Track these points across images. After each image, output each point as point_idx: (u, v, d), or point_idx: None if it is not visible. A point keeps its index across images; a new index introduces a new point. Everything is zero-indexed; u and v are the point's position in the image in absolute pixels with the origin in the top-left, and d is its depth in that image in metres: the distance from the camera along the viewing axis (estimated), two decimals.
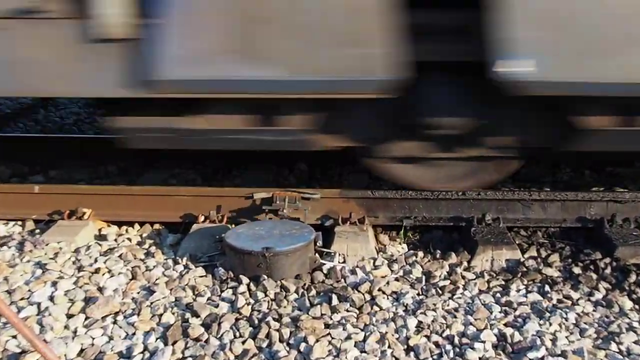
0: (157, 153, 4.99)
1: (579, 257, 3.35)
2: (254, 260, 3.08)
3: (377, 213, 3.72)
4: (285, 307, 2.89)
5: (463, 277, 3.18)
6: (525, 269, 3.24)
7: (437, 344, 2.61)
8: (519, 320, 2.80)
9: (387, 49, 2.88)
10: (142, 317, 2.79)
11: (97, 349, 2.59)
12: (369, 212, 3.71)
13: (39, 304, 2.90)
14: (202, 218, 3.68)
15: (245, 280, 3.08)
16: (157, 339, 2.66)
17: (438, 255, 3.42)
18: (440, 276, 3.20)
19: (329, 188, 4.25)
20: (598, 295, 3.01)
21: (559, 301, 2.97)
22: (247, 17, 2.87)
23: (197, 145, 3.37)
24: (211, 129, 3.33)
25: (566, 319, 2.80)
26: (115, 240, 3.62)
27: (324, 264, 3.23)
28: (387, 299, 2.97)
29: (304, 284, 3.09)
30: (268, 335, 2.66)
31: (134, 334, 2.70)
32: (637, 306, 2.92)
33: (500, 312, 2.87)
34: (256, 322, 2.74)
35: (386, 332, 2.68)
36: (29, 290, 3.01)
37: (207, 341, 2.63)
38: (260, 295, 2.97)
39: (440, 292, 3.05)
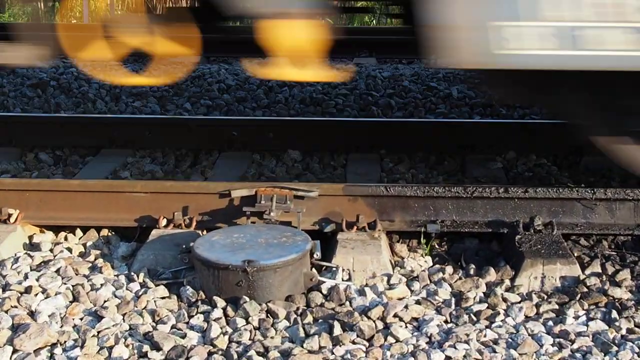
0: (102, 136, 5.03)
1: None
2: (232, 277, 3.11)
3: (392, 216, 3.75)
4: (272, 337, 2.92)
5: (504, 300, 3.22)
6: (586, 290, 3.28)
7: None
8: (578, 355, 2.83)
9: None
10: (87, 351, 2.81)
11: None
12: (382, 214, 3.74)
13: None
14: (163, 222, 3.71)
15: (220, 303, 3.11)
16: None
17: (472, 272, 3.45)
18: (474, 299, 3.23)
19: (330, 183, 4.29)
20: None
21: (630, 331, 3.00)
22: None
23: None
24: None
25: (639, 354, 2.84)
26: (51, 250, 3.65)
27: (323, 282, 3.27)
28: (406, 327, 3.00)
29: (297, 308, 3.12)
30: None
31: None
32: None
33: (552, 345, 2.90)
34: (235, 357, 2.77)
35: None
36: None
37: None
38: (240, 322, 3.01)
39: (474, 319, 3.09)
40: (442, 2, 3.13)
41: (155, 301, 3.16)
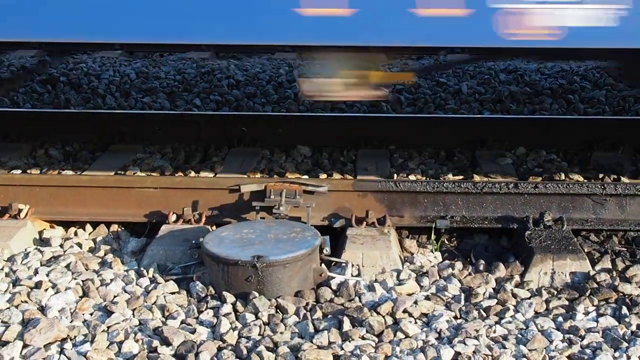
0: (112, 132, 5.03)
1: None
2: (241, 273, 3.12)
3: (402, 211, 3.75)
4: (282, 333, 2.93)
5: (514, 296, 3.22)
6: (596, 286, 3.28)
7: None
8: (587, 351, 2.83)
9: None
10: (97, 346, 2.83)
11: None
12: (392, 210, 3.74)
13: None
14: (173, 217, 3.72)
15: (230, 298, 3.12)
16: None
17: (482, 267, 3.45)
18: (484, 294, 3.23)
19: (340, 178, 4.29)
20: None
21: None
22: None
23: None
24: None
25: None
26: (61, 245, 3.67)
27: (333, 277, 3.27)
28: (415, 323, 3.01)
29: (307, 304, 3.13)
30: None
31: None
32: None
33: (562, 341, 2.90)
34: (244, 352, 2.78)
35: None
36: None
37: None
38: (249, 317, 3.02)
39: (484, 314, 3.09)
40: None
41: (164, 296, 3.17)
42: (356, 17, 3.11)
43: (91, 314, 3.06)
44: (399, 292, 3.22)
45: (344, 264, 3.38)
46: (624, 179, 4.35)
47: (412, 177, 4.37)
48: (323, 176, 4.44)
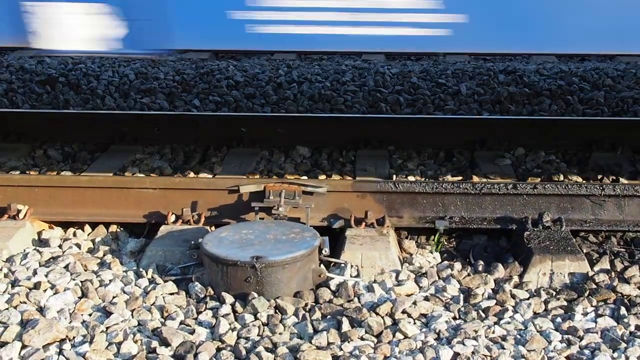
0: (111, 133, 5.04)
1: None
2: (240, 273, 3.12)
3: (401, 212, 3.75)
4: (281, 333, 2.93)
5: (513, 297, 3.22)
6: (594, 286, 3.28)
7: None
8: (586, 352, 2.83)
9: None
10: (96, 346, 2.83)
11: None
12: (391, 210, 3.74)
13: None
14: (172, 218, 3.73)
15: (229, 299, 3.12)
16: None
17: (480, 268, 3.46)
18: (483, 295, 3.23)
19: (339, 179, 4.29)
20: None
21: (639, 328, 3.00)
22: None
23: None
24: None
25: None
26: (60, 246, 3.67)
27: (332, 278, 3.27)
28: (414, 323, 3.01)
29: (306, 304, 3.13)
30: None
31: None
32: None
33: (561, 341, 2.90)
34: (243, 353, 2.78)
35: None
36: None
37: None
38: (248, 318, 3.02)
39: (483, 315, 3.09)
40: None
41: (163, 297, 3.18)
42: None
43: (90, 315, 3.06)
44: (397, 292, 3.22)
45: (343, 265, 3.38)
46: (623, 180, 4.35)
47: (411, 178, 4.37)
48: (322, 177, 4.44)
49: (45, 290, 3.21)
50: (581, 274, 3.35)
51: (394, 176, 4.41)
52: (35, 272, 3.37)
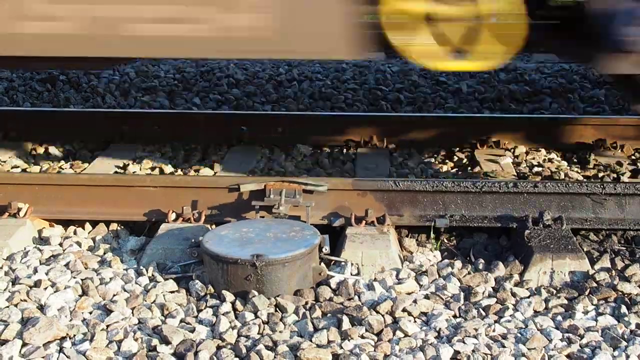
0: (112, 131, 5.04)
1: None
2: (240, 272, 3.12)
3: (401, 210, 3.75)
4: (281, 332, 2.93)
5: (513, 295, 3.22)
6: (595, 285, 3.28)
7: None
8: (587, 350, 2.83)
9: None
10: (96, 345, 2.83)
11: None
12: (391, 209, 3.74)
13: None
14: (173, 216, 3.72)
15: (229, 297, 3.12)
16: None
17: (481, 266, 3.45)
18: (483, 293, 3.23)
19: (339, 177, 4.29)
20: None
21: (639, 326, 3.00)
22: None
23: None
24: None
25: None
26: (61, 244, 3.67)
27: (332, 276, 3.27)
28: (414, 322, 3.01)
29: (306, 303, 3.13)
30: None
31: None
32: None
33: (561, 340, 2.90)
34: (244, 351, 2.78)
35: None
36: None
37: None
38: (249, 316, 3.02)
39: (483, 313, 3.09)
40: None
41: (164, 295, 3.17)
42: None
43: (90, 313, 3.06)
44: (398, 291, 3.22)
45: (343, 263, 3.38)
46: (624, 178, 4.35)
47: (411, 176, 4.37)
48: (323, 175, 4.44)
49: (45, 288, 3.21)
50: (582, 272, 3.35)
51: (394, 174, 4.41)
52: (35, 270, 3.36)
